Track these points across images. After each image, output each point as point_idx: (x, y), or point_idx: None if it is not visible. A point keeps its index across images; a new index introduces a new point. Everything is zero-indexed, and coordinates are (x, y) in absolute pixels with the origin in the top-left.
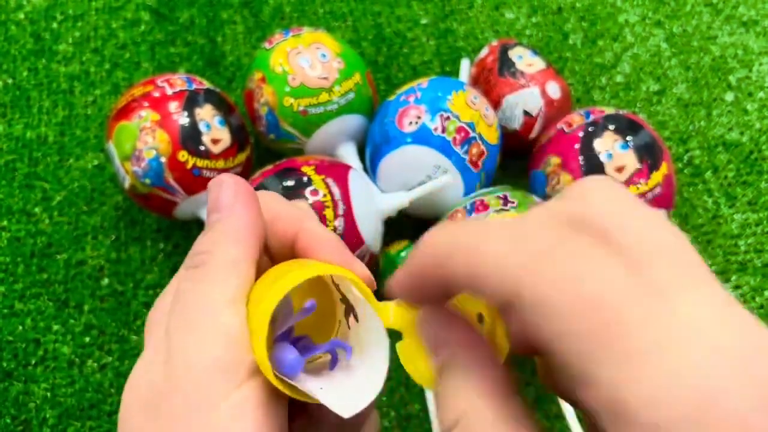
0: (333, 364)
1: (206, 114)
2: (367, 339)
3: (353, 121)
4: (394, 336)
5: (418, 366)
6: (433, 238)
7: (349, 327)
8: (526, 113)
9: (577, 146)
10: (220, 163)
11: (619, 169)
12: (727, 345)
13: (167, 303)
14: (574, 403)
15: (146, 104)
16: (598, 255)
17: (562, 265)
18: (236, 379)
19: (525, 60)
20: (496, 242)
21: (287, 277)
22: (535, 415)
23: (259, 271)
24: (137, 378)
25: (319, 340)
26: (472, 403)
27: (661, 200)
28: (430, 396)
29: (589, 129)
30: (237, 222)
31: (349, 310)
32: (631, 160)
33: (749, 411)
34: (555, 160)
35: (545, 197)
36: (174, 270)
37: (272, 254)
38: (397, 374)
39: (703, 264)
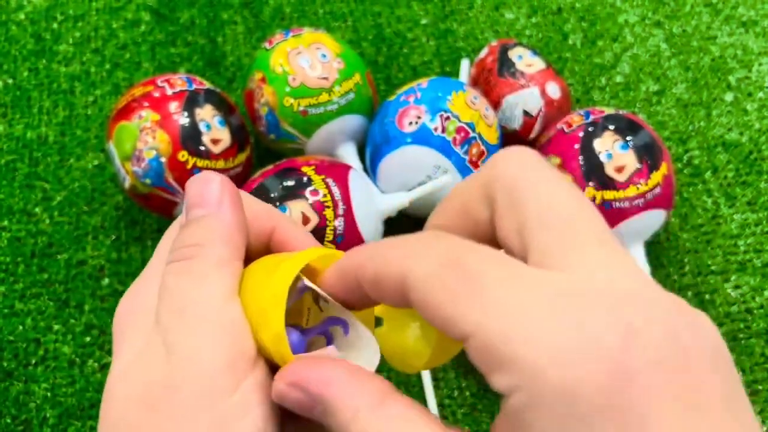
0: (329, 342)
1: (206, 114)
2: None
3: (353, 122)
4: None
5: (403, 347)
6: (354, 252)
7: (321, 310)
8: (525, 113)
9: (576, 146)
10: (221, 163)
11: (619, 169)
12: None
13: (146, 294)
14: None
15: (146, 104)
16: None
17: (436, 244)
18: (241, 372)
19: (525, 60)
20: (392, 248)
21: (290, 262)
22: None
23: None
24: (130, 372)
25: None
26: (361, 424)
27: (660, 200)
28: (430, 395)
29: (589, 129)
30: (226, 220)
31: (317, 295)
32: (630, 160)
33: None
34: (555, 160)
35: None
36: None
37: (248, 250)
38: (396, 374)
39: (592, 227)
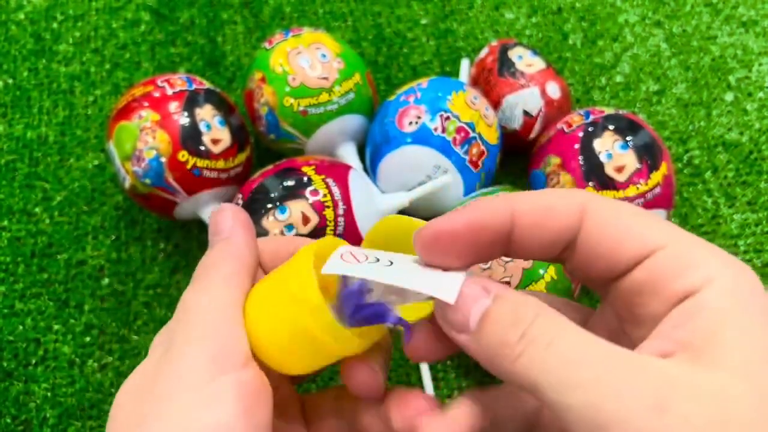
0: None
1: (206, 114)
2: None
3: (353, 122)
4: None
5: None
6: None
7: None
8: (525, 113)
9: (576, 146)
10: (221, 163)
11: (619, 169)
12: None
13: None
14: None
15: (146, 104)
16: None
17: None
18: (223, 368)
19: (525, 60)
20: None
21: (303, 249)
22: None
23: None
24: (129, 379)
25: None
26: (542, 306)
27: (660, 200)
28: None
29: (589, 129)
30: (234, 241)
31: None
32: (630, 160)
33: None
34: (555, 160)
35: None
36: (174, 270)
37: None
38: (396, 374)
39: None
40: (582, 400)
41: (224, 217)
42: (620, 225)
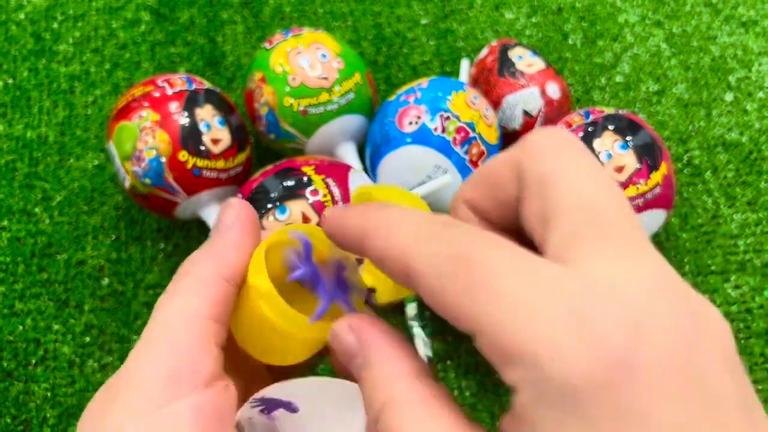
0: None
1: (206, 114)
2: None
3: (353, 121)
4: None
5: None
6: (360, 213)
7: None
8: (525, 113)
9: None
10: (221, 163)
11: (619, 169)
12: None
13: None
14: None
15: (146, 104)
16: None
17: (444, 233)
18: (181, 390)
19: (525, 60)
20: (399, 227)
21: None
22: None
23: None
24: (96, 396)
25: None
26: (395, 388)
27: (660, 200)
28: None
29: (589, 129)
30: (224, 240)
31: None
32: (630, 160)
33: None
34: None
35: None
36: (174, 270)
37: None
38: None
39: (618, 220)
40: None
41: (227, 213)
42: (441, 301)
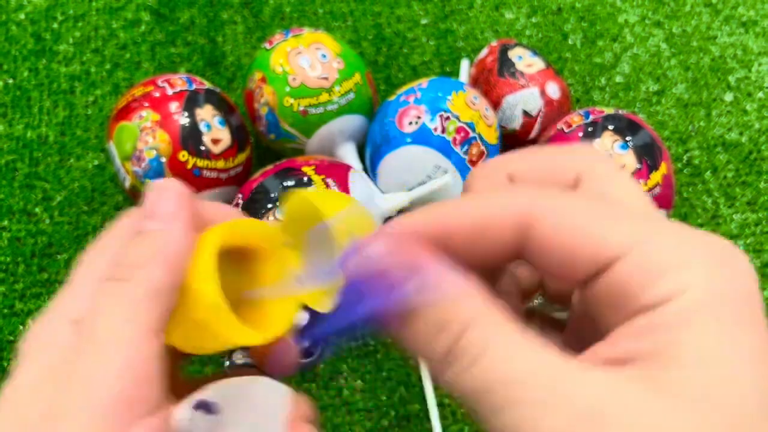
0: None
1: (206, 114)
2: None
3: (353, 122)
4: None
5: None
6: (431, 210)
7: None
8: (525, 113)
9: None
10: (221, 163)
11: None
12: None
13: (72, 304)
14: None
15: (147, 104)
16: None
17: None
18: (130, 417)
19: (525, 60)
20: (505, 193)
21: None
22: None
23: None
24: (26, 388)
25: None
26: (478, 307)
27: (660, 200)
28: (430, 395)
29: (589, 129)
30: (174, 239)
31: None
32: (630, 160)
33: None
34: None
35: None
36: None
37: None
38: (396, 374)
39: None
40: (512, 422)
41: (165, 199)
42: (574, 230)
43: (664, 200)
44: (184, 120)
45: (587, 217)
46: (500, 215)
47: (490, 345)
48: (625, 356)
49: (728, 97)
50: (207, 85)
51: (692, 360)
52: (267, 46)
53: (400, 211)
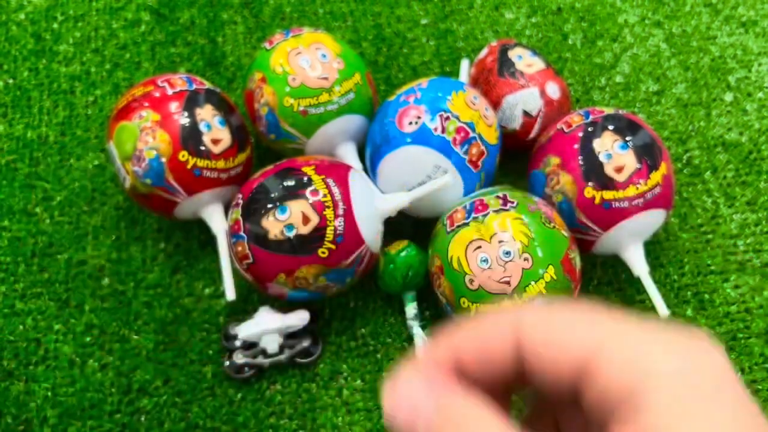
0: None
1: (207, 114)
2: None
3: (353, 122)
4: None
5: None
6: (496, 312)
7: None
8: (525, 113)
9: (576, 146)
10: (221, 163)
11: (619, 169)
12: None
13: None
14: None
15: (147, 104)
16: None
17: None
18: None
19: (524, 60)
20: (568, 312)
21: None
22: None
23: None
24: None
25: None
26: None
27: (660, 200)
28: None
29: (589, 129)
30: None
31: None
32: (630, 160)
33: None
34: (554, 160)
35: (544, 197)
36: (175, 269)
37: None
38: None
39: None
40: None
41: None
42: (553, 337)
43: (663, 200)
44: (184, 120)
45: (564, 322)
46: (495, 333)
47: None
48: None
49: (728, 97)
50: (207, 85)
51: None
52: (267, 46)
53: (400, 212)
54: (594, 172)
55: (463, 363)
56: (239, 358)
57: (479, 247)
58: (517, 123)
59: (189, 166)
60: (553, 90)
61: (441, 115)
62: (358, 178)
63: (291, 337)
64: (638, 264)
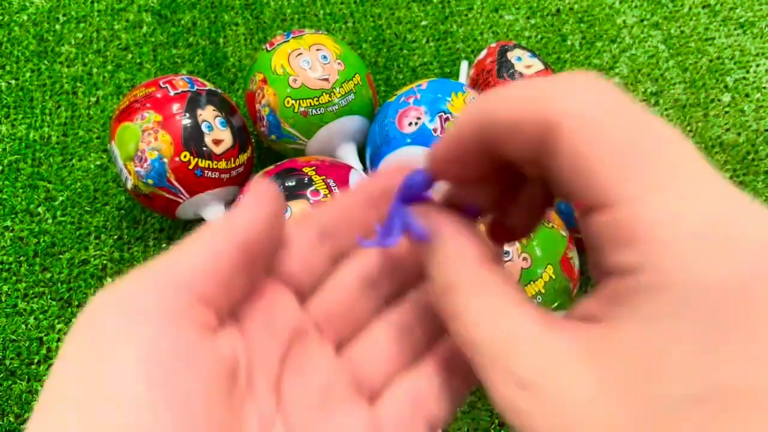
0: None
1: (208, 115)
2: None
3: (353, 122)
4: None
5: None
6: (466, 109)
7: None
8: None
9: None
10: (222, 164)
11: None
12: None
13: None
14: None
15: (149, 105)
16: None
17: (595, 93)
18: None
19: (523, 61)
20: (536, 85)
21: None
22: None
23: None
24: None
25: None
26: (460, 272)
27: None
28: None
29: None
30: (224, 225)
31: None
32: None
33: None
34: None
35: None
36: None
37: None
38: None
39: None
40: (482, 379)
41: (247, 196)
42: (588, 158)
43: None
44: (186, 121)
45: (607, 151)
46: (531, 109)
47: (463, 310)
48: (593, 316)
49: (726, 98)
50: (209, 86)
51: (631, 344)
52: (268, 47)
53: None
54: None
55: (493, 134)
56: None
57: None
58: None
59: (191, 167)
60: None
61: (441, 116)
62: (358, 179)
63: None
64: None
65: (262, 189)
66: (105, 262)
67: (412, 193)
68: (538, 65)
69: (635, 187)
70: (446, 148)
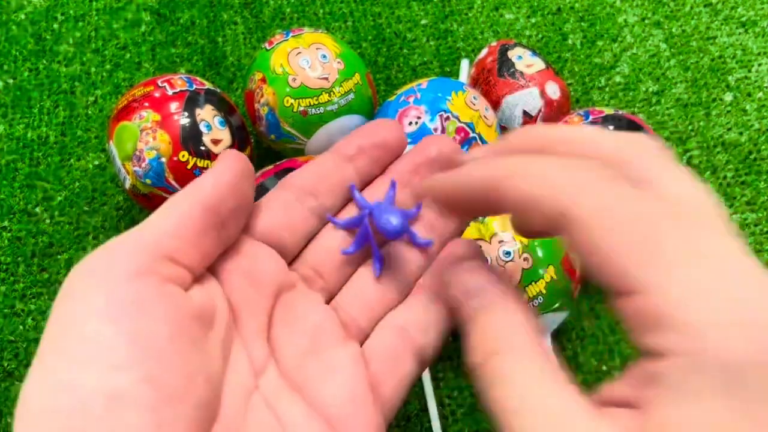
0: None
1: (207, 114)
2: None
3: (353, 122)
4: None
5: None
6: (482, 159)
7: None
8: (525, 114)
9: None
10: None
11: None
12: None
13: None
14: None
15: (147, 104)
16: (638, 193)
17: (608, 190)
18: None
19: (524, 60)
20: (552, 169)
21: None
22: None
23: (223, 243)
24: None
25: None
26: (513, 338)
27: None
28: (430, 395)
29: None
30: (193, 188)
31: None
32: None
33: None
34: None
35: None
36: None
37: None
38: None
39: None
40: None
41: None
42: (604, 250)
43: None
44: (184, 120)
45: (619, 239)
46: (543, 204)
47: (509, 379)
48: (627, 400)
49: (728, 97)
50: (207, 85)
51: (676, 425)
52: (267, 46)
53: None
54: None
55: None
56: None
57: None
58: (517, 123)
59: (189, 166)
60: (553, 90)
61: (441, 116)
62: None
63: None
64: None
65: (228, 154)
66: None
67: (390, 238)
68: (539, 64)
69: (654, 273)
70: (452, 192)
